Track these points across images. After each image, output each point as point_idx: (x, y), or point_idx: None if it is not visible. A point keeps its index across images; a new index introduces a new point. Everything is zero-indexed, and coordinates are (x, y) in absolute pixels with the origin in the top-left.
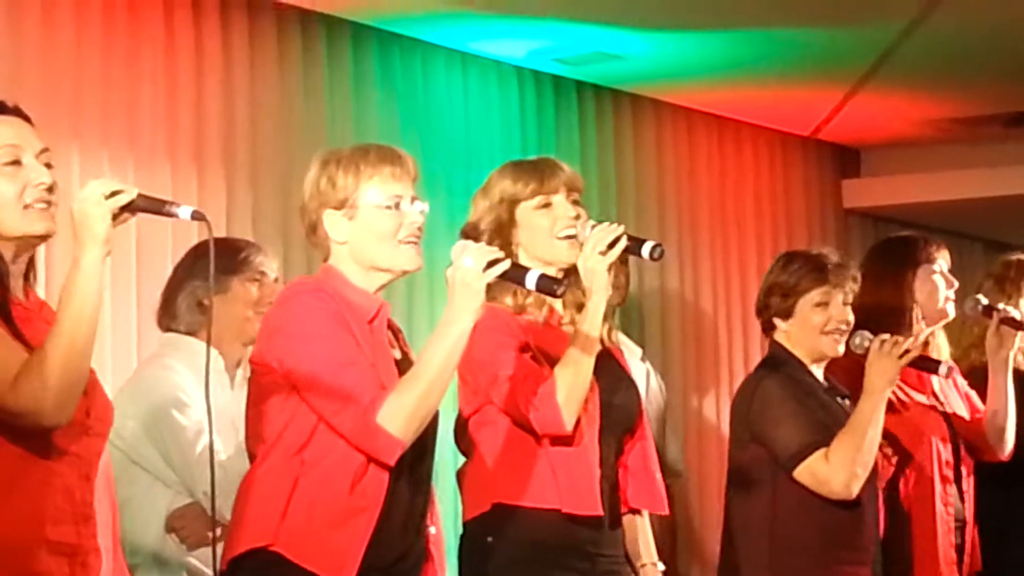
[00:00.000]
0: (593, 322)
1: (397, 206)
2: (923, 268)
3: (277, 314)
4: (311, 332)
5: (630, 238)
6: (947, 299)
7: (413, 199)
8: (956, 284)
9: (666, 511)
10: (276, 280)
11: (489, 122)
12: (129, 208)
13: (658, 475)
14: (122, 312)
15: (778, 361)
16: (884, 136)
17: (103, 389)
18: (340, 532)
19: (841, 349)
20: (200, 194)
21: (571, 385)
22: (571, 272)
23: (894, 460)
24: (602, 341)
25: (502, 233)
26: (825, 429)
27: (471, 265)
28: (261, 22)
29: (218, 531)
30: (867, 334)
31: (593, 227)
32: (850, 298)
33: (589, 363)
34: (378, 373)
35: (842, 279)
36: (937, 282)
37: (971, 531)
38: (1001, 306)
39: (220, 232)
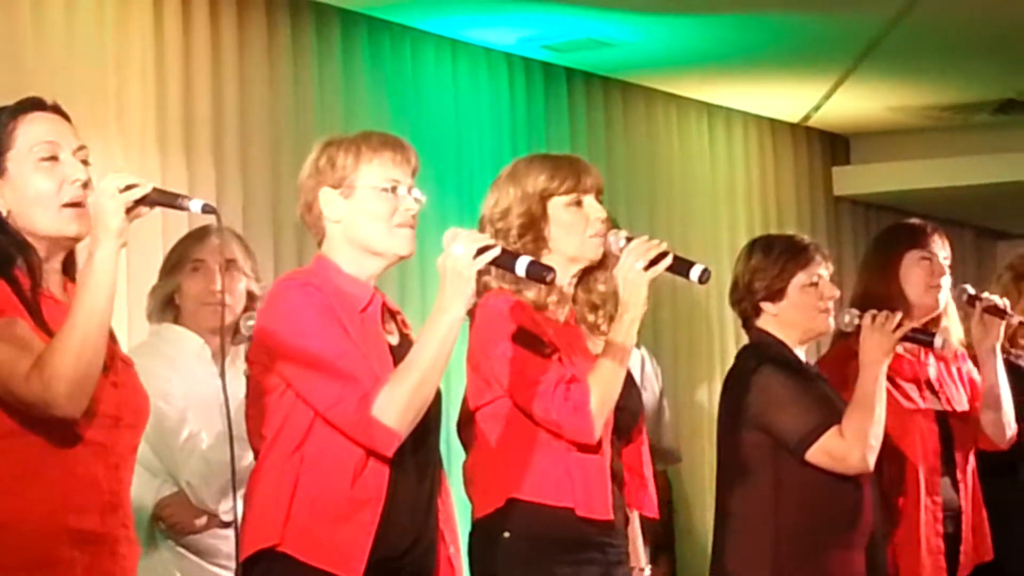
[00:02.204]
0: (629, 335)
1: (394, 191)
2: (910, 255)
3: (267, 311)
4: (301, 328)
5: (676, 258)
6: (934, 288)
7: (410, 188)
8: (946, 272)
9: (657, 515)
10: (231, 261)
11: (479, 109)
12: (144, 202)
13: (651, 478)
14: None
15: (766, 346)
16: (874, 123)
17: (138, 382)
18: (345, 527)
19: (832, 324)
20: (190, 184)
21: (603, 397)
22: (588, 273)
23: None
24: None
25: (534, 226)
26: (829, 408)
27: (461, 252)
28: (250, 10)
29: (204, 519)
30: (855, 311)
31: (628, 239)
32: (830, 277)
33: (621, 375)
34: (371, 364)
35: (823, 257)
36: (924, 269)
37: (968, 520)
38: (985, 294)
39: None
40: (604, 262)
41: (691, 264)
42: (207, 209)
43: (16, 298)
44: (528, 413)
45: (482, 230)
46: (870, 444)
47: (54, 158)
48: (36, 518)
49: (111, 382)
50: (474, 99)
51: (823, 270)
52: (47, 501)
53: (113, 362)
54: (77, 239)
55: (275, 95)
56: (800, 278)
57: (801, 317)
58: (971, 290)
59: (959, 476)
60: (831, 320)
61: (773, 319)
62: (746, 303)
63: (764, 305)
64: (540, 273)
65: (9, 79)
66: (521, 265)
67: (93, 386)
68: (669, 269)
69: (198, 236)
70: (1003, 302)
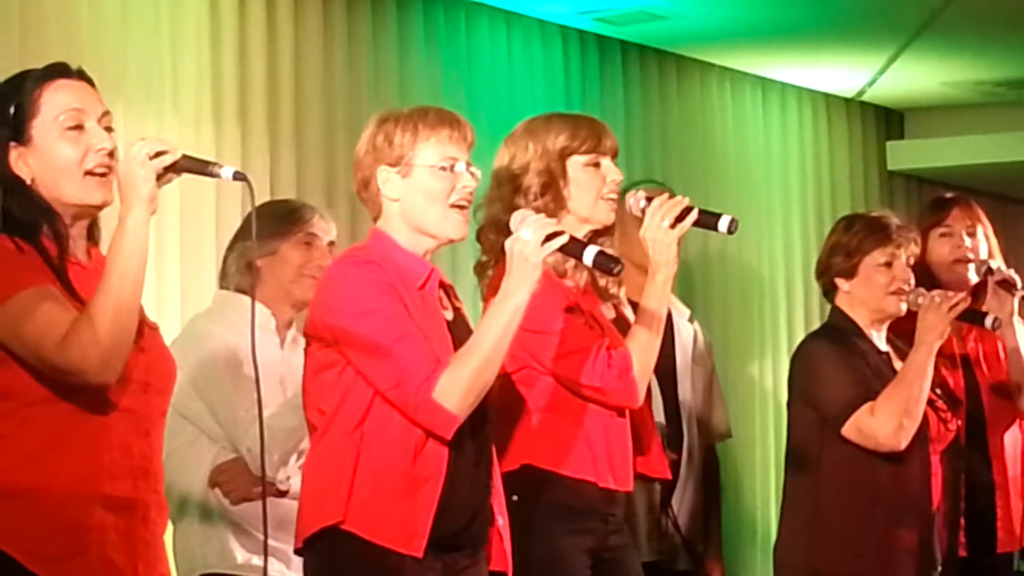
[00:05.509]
0: (663, 296)
1: (452, 168)
2: (932, 232)
3: (327, 288)
4: (363, 307)
5: (702, 212)
6: (958, 262)
7: (468, 164)
8: (967, 244)
9: (669, 475)
10: (332, 244)
11: (533, 82)
12: (173, 168)
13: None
14: (168, 271)
15: (834, 325)
16: (928, 99)
17: (165, 347)
18: (406, 504)
19: (904, 308)
20: (244, 155)
21: (644, 361)
22: (603, 233)
23: (955, 425)
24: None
25: (554, 184)
26: (870, 387)
27: (529, 237)
28: None
29: (260, 487)
30: (922, 291)
31: (648, 199)
32: (911, 260)
33: (659, 337)
34: (432, 345)
35: (905, 240)
36: (945, 245)
37: (1005, 496)
38: (995, 266)
39: (264, 194)
40: (612, 227)
41: (718, 216)
42: (238, 176)
43: (46, 266)
44: (568, 382)
45: (497, 186)
46: (901, 423)
47: (79, 127)
48: (70, 485)
49: (138, 347)
50: (528, 72)
51: (903, 252)
52: (81, 467)
53: (140, 327)
54: (102, 207)
55: (329, 69)
56: (874, 256)
57: (870, 296)
58: (993, 264)
59: (991, 452)
60: (903, 304)
61: (846, 297)
62: (825, 279)
63: (839, 282)
64: (608, 264)
65: (65, 55)
66: (589, 255)
67: (128, 352)
68: (696, 224)
69: (310, 213)
70: (1015, 277)
